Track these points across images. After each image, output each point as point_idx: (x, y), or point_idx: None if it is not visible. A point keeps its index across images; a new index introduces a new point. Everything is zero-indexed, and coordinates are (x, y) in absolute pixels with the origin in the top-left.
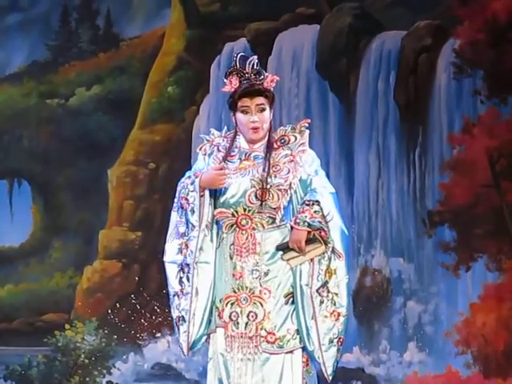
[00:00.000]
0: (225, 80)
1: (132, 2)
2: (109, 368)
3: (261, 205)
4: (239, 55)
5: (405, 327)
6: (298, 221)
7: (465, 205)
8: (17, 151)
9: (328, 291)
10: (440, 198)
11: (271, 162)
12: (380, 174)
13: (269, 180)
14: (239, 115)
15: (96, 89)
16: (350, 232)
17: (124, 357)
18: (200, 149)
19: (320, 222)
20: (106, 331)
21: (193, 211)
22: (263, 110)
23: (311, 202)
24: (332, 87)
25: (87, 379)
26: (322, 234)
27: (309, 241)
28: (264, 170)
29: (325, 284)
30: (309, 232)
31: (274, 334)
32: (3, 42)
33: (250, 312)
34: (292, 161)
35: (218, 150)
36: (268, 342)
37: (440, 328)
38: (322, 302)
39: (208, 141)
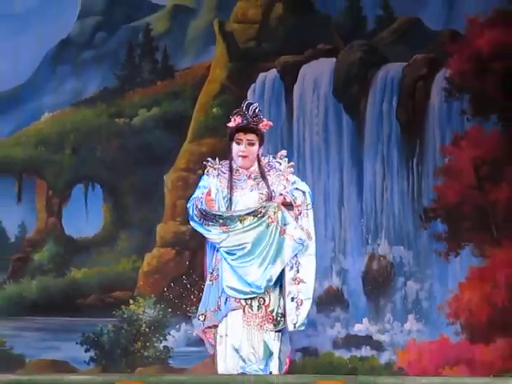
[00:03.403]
0: (231, 117)
1: (184, 40)
2: (165, 335)
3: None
4: (246, 102)
5: (405, 302)
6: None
7: (454, 203)
8: (91, 161)
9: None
10: (434, 197)
11: (268, 180)
12: (384, 178)
13: (273, 194)
14: (234, 145)
15: (155, 110)
16: (360, 225)
17: (177, 326)
18: (207, 171)
19: (298, 198)
20: (162, 306)
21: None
22: (252, 144)
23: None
24: (345, 109)
25: (147, 344)
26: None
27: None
28: (268, 186)
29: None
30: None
31: (272, 316)
32: (80, 73)
33: (260, 298)
34: (284, 179)
35: (223, 172)
36: (268, 322)
37: (434, 303)
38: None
39: (210, 166)
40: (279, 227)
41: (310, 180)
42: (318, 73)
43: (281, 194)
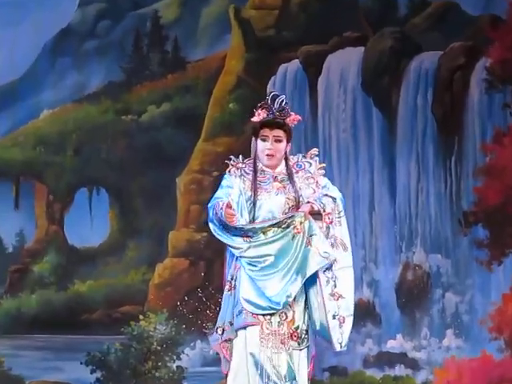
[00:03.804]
0: (255, 111)
1: (197, 29)
2: (178, 354)
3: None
4: (272, 94)
5: (443, 316)
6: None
7: (496, 206)
8: (95, 162)
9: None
10: (474, 200)
11: (297, 182)
12: (419, 179)
13: (300, 199)
14: (259, 142)
15: (165, 106)
16: (393, 231)
17: (192, 344)
18: (229, 171)
19: (327, 205)
20: (175, 321)
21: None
22: (279, 141)
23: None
24: (375, 103)
25: (159, 364)
26: (326, 218)
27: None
28: (295, 190)
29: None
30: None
31: (297, 333)
32: (82, 66)
33: (281, 313)
34: (314, 182)
35: (246, 173)
36: (293, 339)
37: (475, 316)
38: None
39: (232, 165)
40: (305, 238)
41: (338, 182)
42: (344, 63)
43: (308, 202)
